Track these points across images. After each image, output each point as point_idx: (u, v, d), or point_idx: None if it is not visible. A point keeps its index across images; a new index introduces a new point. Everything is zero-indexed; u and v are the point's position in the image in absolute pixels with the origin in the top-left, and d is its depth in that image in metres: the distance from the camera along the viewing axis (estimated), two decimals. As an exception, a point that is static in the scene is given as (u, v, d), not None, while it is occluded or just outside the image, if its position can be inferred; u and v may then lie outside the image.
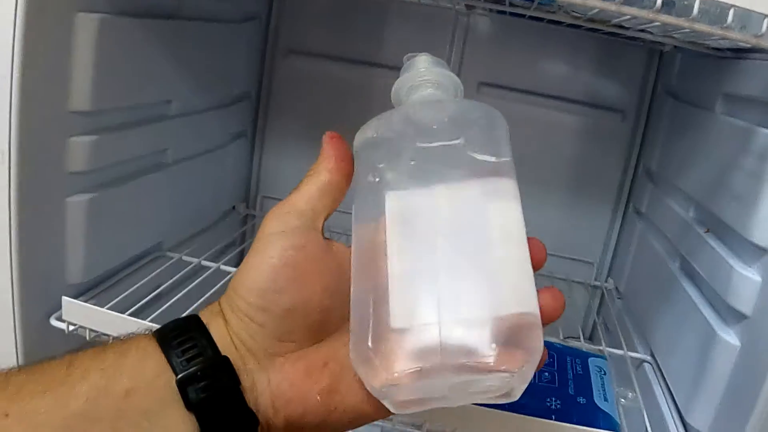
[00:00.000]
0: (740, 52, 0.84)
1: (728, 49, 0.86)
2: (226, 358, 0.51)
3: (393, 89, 0.57)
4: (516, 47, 1.28)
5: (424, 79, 0.56)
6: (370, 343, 0.47)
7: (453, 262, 0.48)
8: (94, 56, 0.81)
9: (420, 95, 0.56)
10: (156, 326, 0.77)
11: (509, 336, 0.45)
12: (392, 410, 0.48)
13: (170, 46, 0.97)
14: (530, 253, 0.49)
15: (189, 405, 0.49)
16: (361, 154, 0.54)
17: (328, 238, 0.55)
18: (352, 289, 0.51)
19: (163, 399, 0.48)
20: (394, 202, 0.50)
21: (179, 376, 0.49)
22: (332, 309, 0.53)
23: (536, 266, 0.50)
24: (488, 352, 0.45)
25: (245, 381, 0.51)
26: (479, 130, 0.53)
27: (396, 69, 1.26)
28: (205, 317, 0.53)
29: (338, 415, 0.52)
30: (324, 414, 0.52)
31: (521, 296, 0.47)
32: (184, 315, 0.54)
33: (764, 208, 0.70)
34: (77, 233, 0.86)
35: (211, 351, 0.51)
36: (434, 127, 0.52)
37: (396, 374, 0.45)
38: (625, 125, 1.28)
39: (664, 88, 1.20)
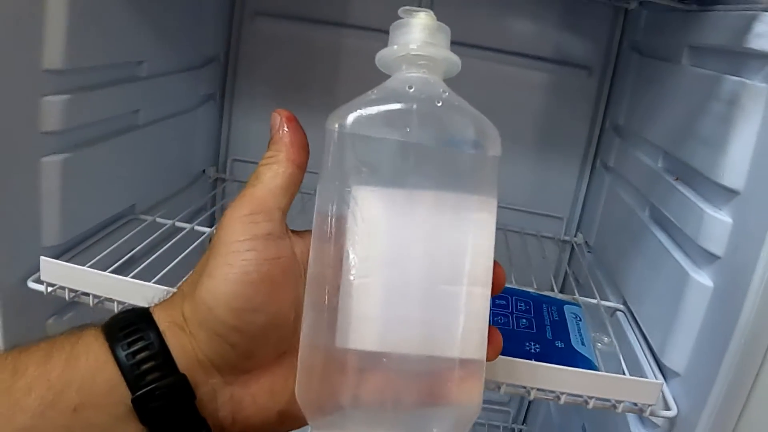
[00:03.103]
0: (705, 4, 0.85)
1: (694, 2, 0.87)
2: (184, 377, 0.48)
3: (380, 53, 0.51)
4: (483, 5, 1.27)
5: (417, 54, 0.49)
6: (309, 380, 0.47)
7: (415, 287, 0.46)
8: (68, 14, 0.80)
9: (408, 78, 0.49)
10: (138, 282, 0.78)
11: (456, 380, 0.47)
12: None
13: (140, 6, 0.96)
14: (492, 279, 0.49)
15: (143, 420, 0.47)
16: (334, 140, 0.47)
17: (290, 232, 0.52)
18: (305, 300, 0.49)
19: (116, 415, 0.47)
20: (362, 199, 0.47)
21: (135, 394, 0.47)
22: (298, 320, 0.50)
23: (496, 291, 0.50)
24: (433, 392, 0.47)
25: (205, 394, 0.50)
26: (470, 140, 0.48)
27: (364, 29, 1.27)
28: (163, 324, 0.49)
29: (291, 424, 0.52)
30: (279, 425, 0.52)
31: (475, 342, 0.47)
32: (139, 310, 0.51)
33: (733, 150, 0.71)
34: (53, 194, 0.85)
35: (170, 367, 0.48)
36: (416, 124, 0.47)
37: (312, 414, 0.47)
38: (592, 81, 1.30)
39: (630, 44, 1.22)
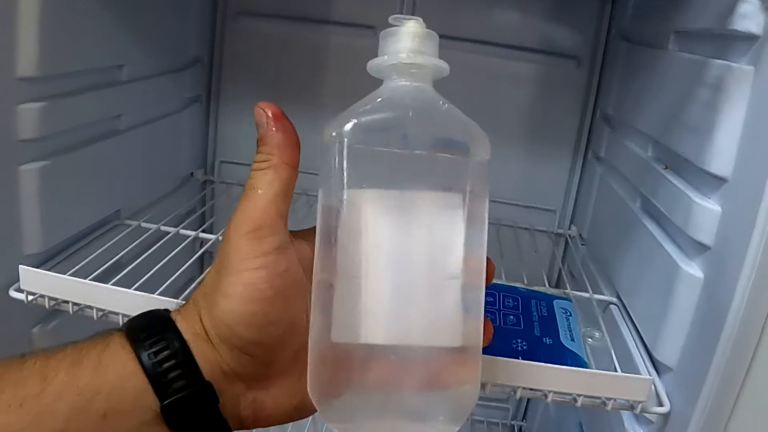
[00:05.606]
0: (691, -13, 0.84)
1: (679, -15, 0.86)
2: (210, 385, 0.50)
3: (371, 63, 0.53)
4: (469, -3, 1.26)
5: (407, 62, 0.51)
6: (314, 363, 0.50)
7: (413, 282, 0.49)
8: (40, 20, 0.79)
9: (402, 86, 0.52)
10: (117, 289, 0.77)
11: (454, 366, 0.50)
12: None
13: (118, 9, 0.95)
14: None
15: (171, 425, 0.49)
16: (331, 149, 0.49)
17: (292, 237, 0.53)
18: (312, 300, 0.51)
19: (144, 420, 0.49)
20: (361, 203, 0.49)
21: (164, 402, 0.48)
22: (308, 321, 0.52)
23: (487, 282, 0.52)
24: (434, 378, 0.49)
25: (228, 399, 0.52)
26: (460, 145, 0.50)
27: (348, 25, 1.26)
28: (187, 334, 0.51)
29: (304, 414, 0.55)
30: (294, 416, 0.55)
31: (471, 330, 0.50)
32: (163, 316, 0.53)
33: (720, 138, 0.70)
34: (32, 202, 0.84)
35: (195, 376, 0.50)
36: (410, 131, 0.50)
37: (322, 406, 0.50)
38: (581, 71, 1.28)
39: (618, 32, 1.20)
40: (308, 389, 0.50)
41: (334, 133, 0.49)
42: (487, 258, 0.51)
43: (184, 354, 0.50)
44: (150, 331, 0.51)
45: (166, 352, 0.49)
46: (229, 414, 0.52)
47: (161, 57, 1.13)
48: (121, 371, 0.49)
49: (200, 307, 0.52)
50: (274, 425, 0.55)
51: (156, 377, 0.49)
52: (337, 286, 0.48)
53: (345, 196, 0.48)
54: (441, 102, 0.51)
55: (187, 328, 0.51)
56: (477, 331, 0.50)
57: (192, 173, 1.36)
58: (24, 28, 0.77)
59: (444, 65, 0.52)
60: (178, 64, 1.21)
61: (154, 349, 0.49)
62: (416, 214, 0.49)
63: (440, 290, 0.49)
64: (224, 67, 1.36)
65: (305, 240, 0.54)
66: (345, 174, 0.48)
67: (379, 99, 0.51)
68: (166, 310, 0.54)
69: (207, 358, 0.51)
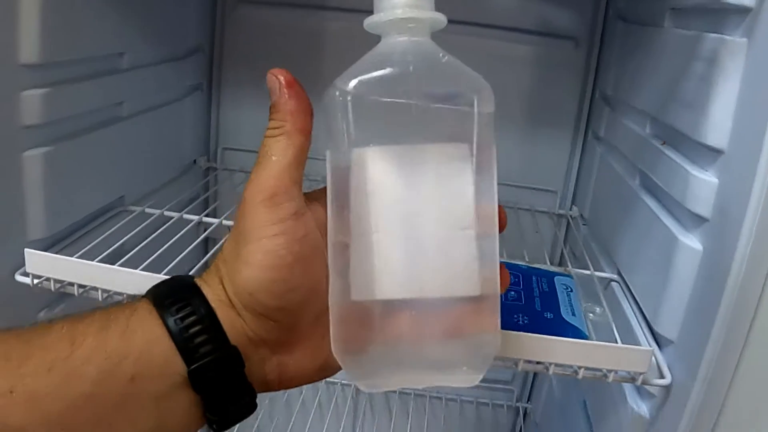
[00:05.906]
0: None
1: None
2: (236, 349, 0.51)
3: (368, 20, 0.52)
4: (464, -21, 1.26)
5: (404, 17, 0.51)
6: (335, 323, 0.51)
7: (427, 235, 0.50)
8: (42, 7, 0.79)
9: (401, 41, 0.51)
10: (122, 270, 0.78)
11: (474, 315, 0.51)
12: (362, 388, 0.53)
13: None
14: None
15: (198, 389, 0.50)
16: (336, 105, 0.49)
17: (307, 201, 0.53)
18: (329, 262, 0.52)
19: (171, 384, 0.50)
20: (369, 159, 0.49)
21: (191, 367, 0.49)
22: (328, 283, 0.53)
23: (501, 229, 0.53)
24: (454, 328, 0.50)
25: (254, 364, 0.53)
26: (461, 95, 0.50)
27: (347, 10, 1.26)
28: (213, 301, 0.52)
29: (328, 373, 0.56)
30: (318, 376, 0.56)
31: (488, 278, 0.50)
32: (188, 282, 0.54)
33: (716, 110, 0.70)
34: (36, 188, 0.85)
35: (221, 340, 0.51)
36: (412, 86, 0.49)
37: (347, 364, 0.51)
38: (579, 52, 1.28)
39: (615, 12, 1.21)
40: (332, 349, 0.51)
41: (337, 93, 0.49)
42: (499, 206, 0.52)
43: (210, 319, 0.51)
44: (175, 297, 0.51)
45: (192, 318, 0.50)
46: (254, 378, 0.53)
47: (162, 45, 1.14)
48: (148, 336, 0.49)
49: (222, 274, 0.53)
50: (298, 386, 0.57)
51: (183, 342, 0.49)
52: (352, 246, 0.49)
53: (353, 155, 0.49)
54: (441, 54, 0.51)
55: (211, 294, 0.52)
56: (494, 279, 0.50)
57: (195, 160, 1.36)
58: (26, 15, 0.78)
59: (441, 17, 0.52)
60: (178, 53, 1.21)
61: (180, 315, 0.50)
62: (426, 167, 0.50)
63: (454, 241, 0.49)
64: (225, 54, 1.36)
65: (319, 202, 0.54)
66: (351, 133, 0.49)
67: (380, 56, 0.51)
68: (191, 276, 0.55)
69: (233, 323, 0.51)
